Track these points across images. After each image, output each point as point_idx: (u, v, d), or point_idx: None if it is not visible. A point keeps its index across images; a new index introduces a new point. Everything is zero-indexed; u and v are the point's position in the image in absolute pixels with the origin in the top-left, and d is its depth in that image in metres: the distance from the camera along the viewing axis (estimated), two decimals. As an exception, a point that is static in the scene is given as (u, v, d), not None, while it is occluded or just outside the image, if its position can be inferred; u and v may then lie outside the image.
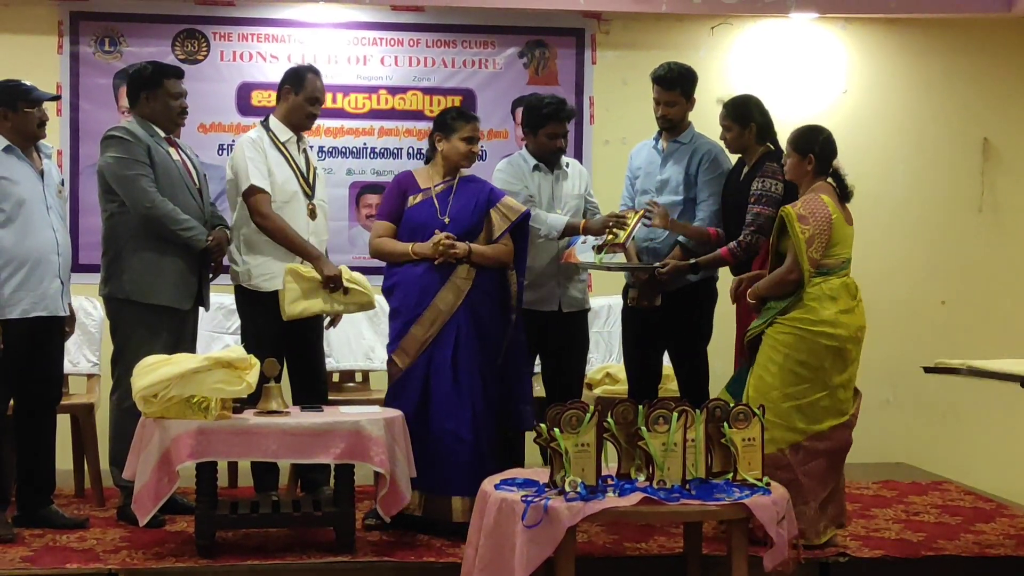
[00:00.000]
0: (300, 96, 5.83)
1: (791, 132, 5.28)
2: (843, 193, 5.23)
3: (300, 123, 5.87)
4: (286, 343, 5.73)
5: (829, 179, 5.23)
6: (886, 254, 7.73)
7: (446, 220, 5.45)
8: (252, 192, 5.68)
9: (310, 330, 5.87)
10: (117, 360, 5.63)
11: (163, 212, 5.48)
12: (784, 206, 5.14)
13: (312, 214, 5.81)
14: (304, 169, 5.84)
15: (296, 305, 5.63)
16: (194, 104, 7.23)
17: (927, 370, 5.21)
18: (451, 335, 5.36)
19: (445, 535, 5.24)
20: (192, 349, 5.71)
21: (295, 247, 5.70)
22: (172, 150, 5.68)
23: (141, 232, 5.51)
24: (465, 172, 5.60)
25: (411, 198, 5.50)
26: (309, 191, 5.82)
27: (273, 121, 5.87)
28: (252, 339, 5.70)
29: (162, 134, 5.65)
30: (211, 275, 5.79)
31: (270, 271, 5.71)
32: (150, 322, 5.53)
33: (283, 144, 5.81)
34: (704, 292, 5.87)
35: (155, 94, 5.63)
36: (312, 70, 5.95)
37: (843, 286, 5.14)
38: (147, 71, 5.70)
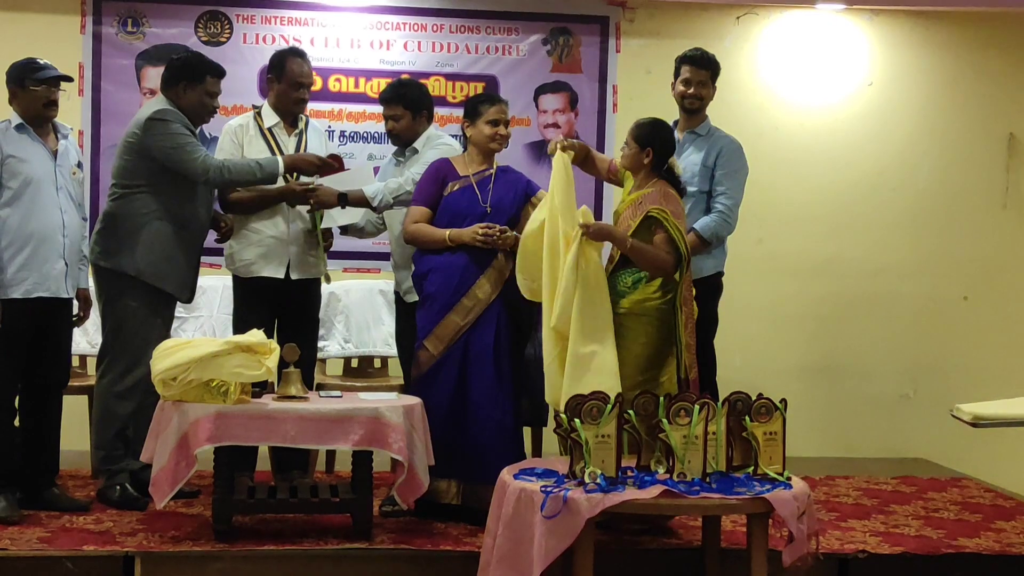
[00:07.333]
0: (283, 83, 5.80)
1: (634, 123, 5.20)
2: (678, 191, 5.19)
3: (289, 109, 5.83)
4: (278, 328, 5.78)
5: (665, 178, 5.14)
6: (909, 248, 7.71)
7: (488, 209, 5.39)
8: None
9: (306, 322, 5.88)
10: (113, 338, 5.58)
11: (235, 168, 5.52)
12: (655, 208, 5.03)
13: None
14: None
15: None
16: (216, 86, 7.27)
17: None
18: (491, 323, 5.32)
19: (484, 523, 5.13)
20: (166, 337, 5.66)
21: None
22: None
23: (163, 215, 5.50)
24: (500, 162, 5.57)
25: (450, 184, 5.44)
26: (293, 176, 5.73)
27: (264, 108, 5.87)
28: (240, 324, 5.71)
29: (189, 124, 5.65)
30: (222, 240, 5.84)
31: (246, 258, 5.75)
32: (155, 305, 5.53)
33: (269, 131, 5.79)
34: (712, 285, 5.84)
35: (194, 87, 5.59)
36: (293, 52, 5.88)
37: None
38: (192, 61, 5.68)
